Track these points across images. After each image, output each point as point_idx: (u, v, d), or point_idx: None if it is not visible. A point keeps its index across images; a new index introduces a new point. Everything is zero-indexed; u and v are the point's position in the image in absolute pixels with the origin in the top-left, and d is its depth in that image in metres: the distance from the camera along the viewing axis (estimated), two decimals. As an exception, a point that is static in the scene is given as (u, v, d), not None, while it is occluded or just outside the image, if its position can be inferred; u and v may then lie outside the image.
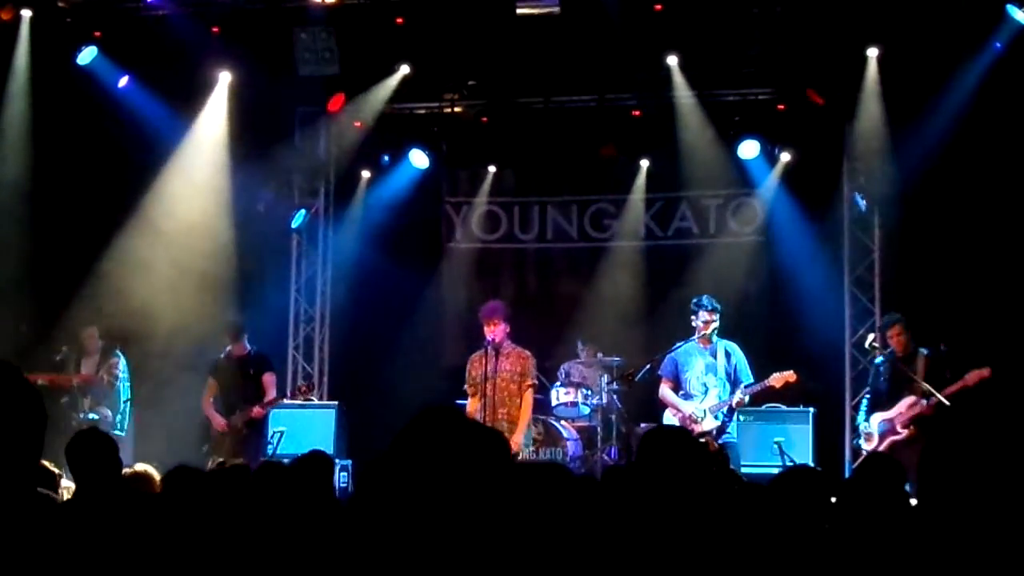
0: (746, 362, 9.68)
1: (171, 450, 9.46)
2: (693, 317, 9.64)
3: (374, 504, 2.50)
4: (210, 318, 11.29)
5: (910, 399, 9.46)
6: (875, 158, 11.41)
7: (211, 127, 12.19)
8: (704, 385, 9.59)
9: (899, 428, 9.49)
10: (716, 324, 9.59)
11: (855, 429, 10.23)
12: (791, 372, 9.49)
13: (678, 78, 11.66)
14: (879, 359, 10.01)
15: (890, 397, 9.68)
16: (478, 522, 2.41)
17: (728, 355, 9.63)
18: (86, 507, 3.96)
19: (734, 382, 9.58)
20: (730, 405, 9.52)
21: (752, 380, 9.60)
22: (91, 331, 10.65)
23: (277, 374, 12.83)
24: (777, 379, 9.49)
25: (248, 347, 10.59)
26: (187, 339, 11.31)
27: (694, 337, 9.66)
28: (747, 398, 9.59)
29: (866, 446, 9.71)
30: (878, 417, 9.67)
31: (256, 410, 10.26)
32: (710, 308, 9.58)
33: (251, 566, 3.73)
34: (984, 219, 10.95)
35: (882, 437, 9.58)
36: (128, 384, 10.68)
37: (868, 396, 10.06)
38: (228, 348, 10.57)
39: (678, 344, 9.80)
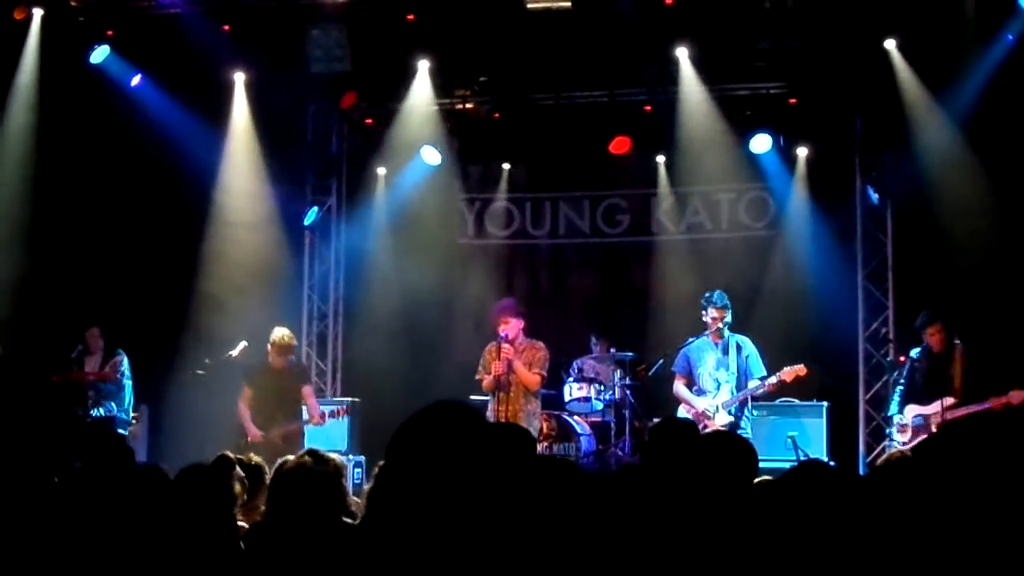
0: (758, 355, 9.66)
1: (190, 449, 9.47)
2: (703, 312, 9.64)
3: (384, 496, 2.51)
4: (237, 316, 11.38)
5: (948, 400, 9.25)
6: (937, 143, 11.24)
7: (237, 129, 12.33)
8: (716, 380, 9.58)
9: (934, 428, 9.28)
10: (726, 320, 9.57)
11: (887, 419, 10.04)
12: (801, 366, 9.45)
13: (689, 72, 11.64)
14: (915, 352, 9.84)
15: (927, 392, 9.45)
16: (487, 516, 2.41)
17: (739, 349, 9.61)
18: (97, 500, 3.98)
19: (746, 376, 9.57)
20: (743, 400, 9.51)
21: (764, 373, 9.57)
22: (94, 331, 10.60)
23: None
24: (787, 373, 9.45)
25: (290, 359, 10.24)
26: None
27: (706, 332, 9.66)
28: (760, 391, 9.59)
29: (900, 437, 9.53)
30: (913, 410, 9.50)
31: (298, 425, 9.98)
32: (720, 305, 9.56)
33: (261, 561, 3.75)
34: (998, 212, 10.89)
35: (916, 432, 9.37)
36: (130, 385, 10.66)
37: (902, 387, 9.77)
38: (268, 357, 10.14)
39: (690, 339, 9.79)
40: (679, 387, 9.76)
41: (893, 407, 9.82)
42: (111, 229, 12.05)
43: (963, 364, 9.29)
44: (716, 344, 9.64)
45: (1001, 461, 3.66)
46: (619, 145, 12.01)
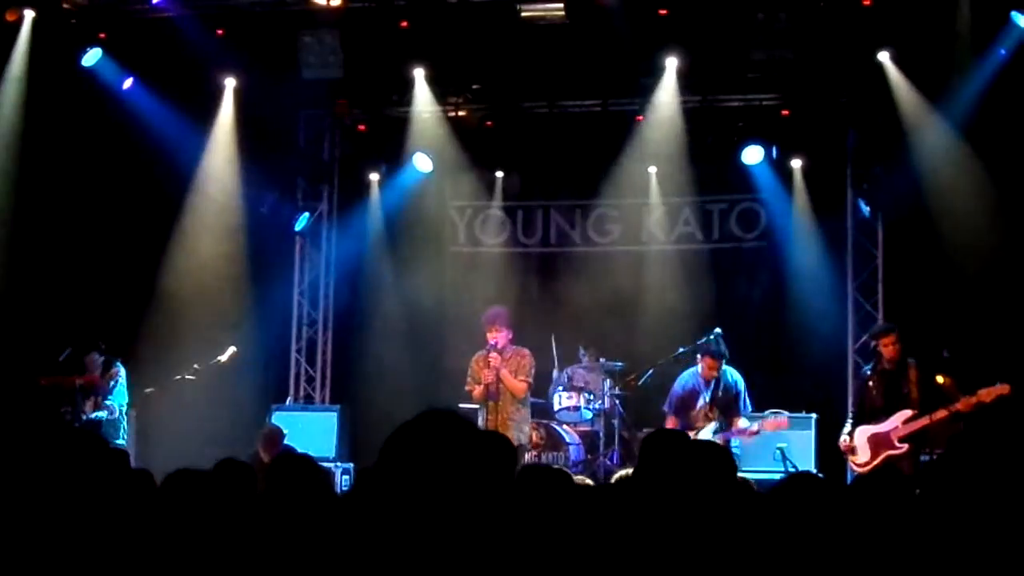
0: (747, 394, 9.95)
1: (178, 454, 9.40)
2: (697, 358, 9.91)
3: (370, 506, 2.49)
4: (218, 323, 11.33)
5: (905, 413, 9.12)
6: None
7: (222, 133, 12.28)
8: (707, 417, 9.80)
9: (896, 443, 9.19)
10: (719, 369, 9.80)
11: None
12: (784, 419, 9.84)
13: (682, 83, 11.66)
14: (865, 369, 9.76)
15: (886, 409, 9.26)
16: (476, 525, 2.39)
17: (729, 386, 9.80)
18: (86, 508, 3.96)
19: (736, 410, 9.84)
20: (724, 441, 9.64)
21: (750, 411, 9.92)
22: (91, 357, 10.50)
23: (280, 378, 12.82)
24: (770, 423, 9.85)
25: (279, 450, 9.89)
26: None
27: (697, 367, 9.82)
28: (753, 426, 9.86)
29: (852, 458, 9.38)
30: (866, 431, 9.27)
31: None
32: (716, 355, 9.77)
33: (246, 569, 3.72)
34: (989, 226, 10.91)
35: (875, 452, 9.16)
36: (125, 391, 10.57)
37: (853, 410, 9.69)
38: (257, 449, 9.90)
39: (679, 354, 9.98)
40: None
41: (845, 428, 9.55)
42: (98, 232, 12.00)
43: (918, 377, 9.22)
44: (707, 381, 9.81)
45: (991, 470, 3.65)
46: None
